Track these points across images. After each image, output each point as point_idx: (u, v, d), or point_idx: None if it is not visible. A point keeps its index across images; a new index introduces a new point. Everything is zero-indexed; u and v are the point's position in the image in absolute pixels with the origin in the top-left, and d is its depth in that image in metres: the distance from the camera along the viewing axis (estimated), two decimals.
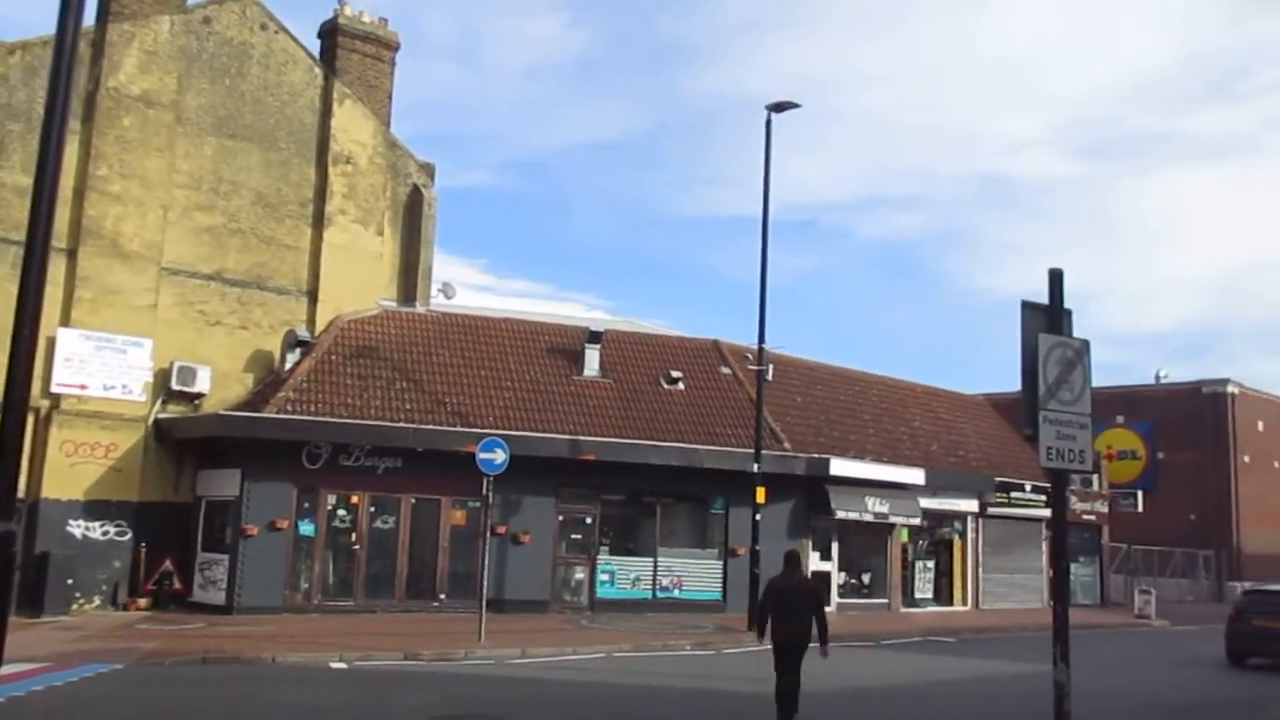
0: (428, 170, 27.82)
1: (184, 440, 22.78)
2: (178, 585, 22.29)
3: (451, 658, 16.80)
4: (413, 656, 16.64)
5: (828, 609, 28.20)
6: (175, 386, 22.83)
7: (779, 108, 23.52)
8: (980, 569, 32.35)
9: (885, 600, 29.52)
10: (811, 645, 11.95)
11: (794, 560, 12.40)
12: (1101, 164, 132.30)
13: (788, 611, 11.87)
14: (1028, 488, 33.13)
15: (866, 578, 29.54)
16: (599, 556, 25.08)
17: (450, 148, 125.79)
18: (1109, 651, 22.47)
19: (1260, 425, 49.28)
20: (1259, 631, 20.38)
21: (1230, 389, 47.52)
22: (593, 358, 27.56)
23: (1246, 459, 47.66)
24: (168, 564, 22.30)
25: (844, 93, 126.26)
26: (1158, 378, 52.13)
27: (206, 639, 17.41)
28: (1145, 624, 30.75)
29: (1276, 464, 50.07)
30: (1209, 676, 19.11)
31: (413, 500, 23.23)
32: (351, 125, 26.25)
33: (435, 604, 23.02)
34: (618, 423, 25.85)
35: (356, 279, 25.91)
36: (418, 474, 22.97)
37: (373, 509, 22.97)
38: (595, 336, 27.82)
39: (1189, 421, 47.46)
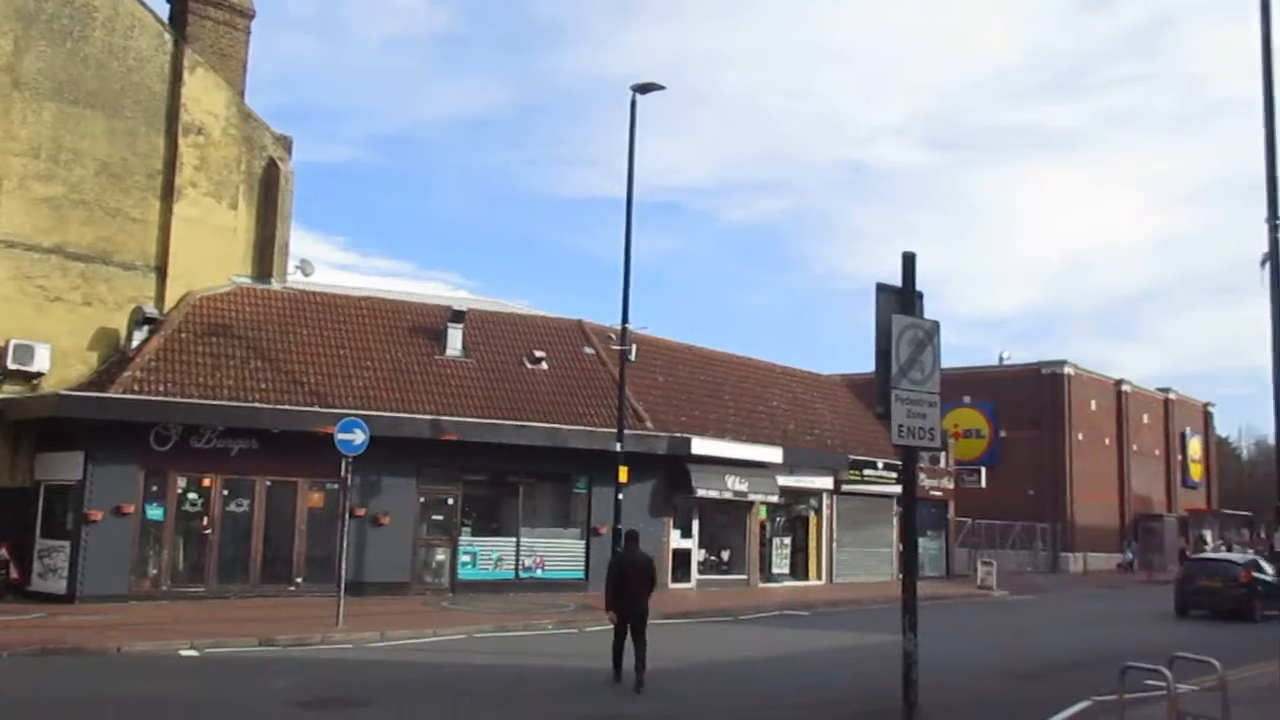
0: (284, 143, 26.89)
1: (21, 422, 21.57)
2: (15, 574, 21.12)
3: (308, 642, 16.38)
4: (268, 642, 16.15)
5: (688, 585, 28.51)
6: (11, 365, 21.57)
7: (644, 89, 23.53)
8: (834, 544, 33.22)
9: (744, 576, 30.03)
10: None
11: (633, 538, 14.06)
12: (953, 154, 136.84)
13: (630, 585, 13.42)
14: (880, 465, 34.12)
15: (726, 555, 29.98)
16: (461, 537, 24.81)
17: (310, 121, 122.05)
18: (953, 621, 23.36)
19: (1093, 404, 51.93)
20: (1200, 589, 26.21)
21: (1067, 370, 49.87)
22: (455, 337, 27.18)
23: (1080, 436, 50.16)
24: (3, 552, 21.11)
25: (708, 76, 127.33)
26: (1001, 359, 54.39)
27: (46, 629, 16.55)
28: (987, 594, 32.07)
29: (1107, 441, 52.90)
30: (1045, 643, 20.04)
31: (268, 483, 22.53)
32: (203, 94, 25.14)
33: (292, 588, 22.41)
34: (480, 403, 25.57)
35: (209, 254, 24.90)
36: (273, 456, 22.28)
37: (226, 492, 22.18)
38: (458, 315, 27.44)
39: (1029, 401, 49.65)
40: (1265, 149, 14.75)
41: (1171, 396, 60.38)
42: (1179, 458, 60.69)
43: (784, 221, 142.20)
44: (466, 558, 24.84)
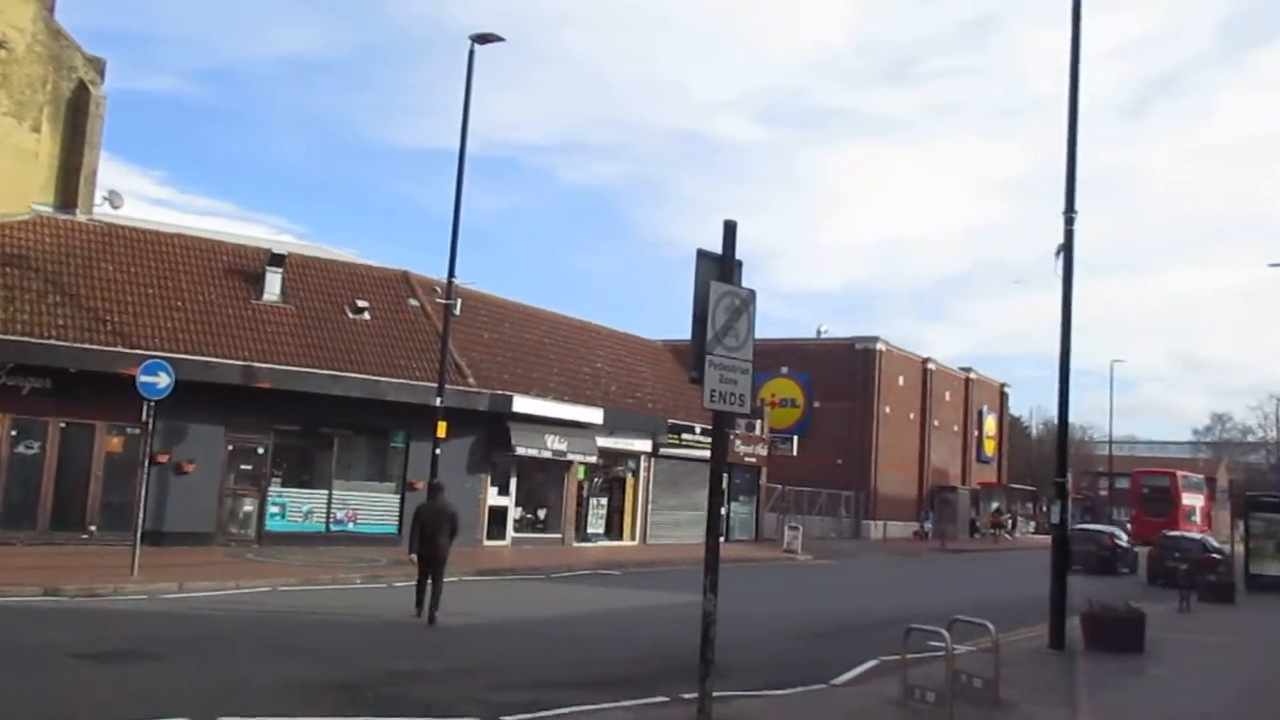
0: (97, 66, 25.14)
1: None
2: None
3: (99, 593, 15.56)
4: (54, 592, 15.27)
5: (503, 543, 28.43)
6: None
7: (483, 39, 23.04)
8: (650, 506, 33.70)
9: (559, 535, 30.17)
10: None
11: (438, 489, 15.94)
12: (787, 131, 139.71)
13: (432, 531, 15.11)
14: (698, 430, 34.73)
15: (542, 513, 30.04)
16: (270, 488, 24.00)
17: (128, 47, 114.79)
18: (758, 583, 24.07)
19: (901, 380, 54.23)
20: (1078, 551, 30.45)
21: (879, 346, 51.85)
22: (274, 281, 26.15)
23: (887, 410, 52.33)
24: None
25: (552, 35, 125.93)
26: (818, 333, 56.14)
27: None
28: (792, 558, 33.19)
29: (911, 415, 55.38)
30: (842, 606, 20.88)
31: (62, 424, 21.21)
32: (6, 6, 23.21)
33: (85, 536, 21.22)
34: (297, 351, 24.72)
35: (6, 179, 23.14)
36: (70, 396, 20.98)
37: (14, 433, 20.78)
38: (277, 259, 26.39)
39: (842, 374, 51.44)
40: (1066, 146, 15.58)
41: (972, 376, 63.62)
42: (975, 434, 64.10)
43: (620, 186, 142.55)
44: (275, 509, 24.07)
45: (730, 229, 8.92)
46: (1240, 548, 31.34)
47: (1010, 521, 63.03)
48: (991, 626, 11.12)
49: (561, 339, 34.43)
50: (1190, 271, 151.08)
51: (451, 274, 23.81)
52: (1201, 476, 76.03)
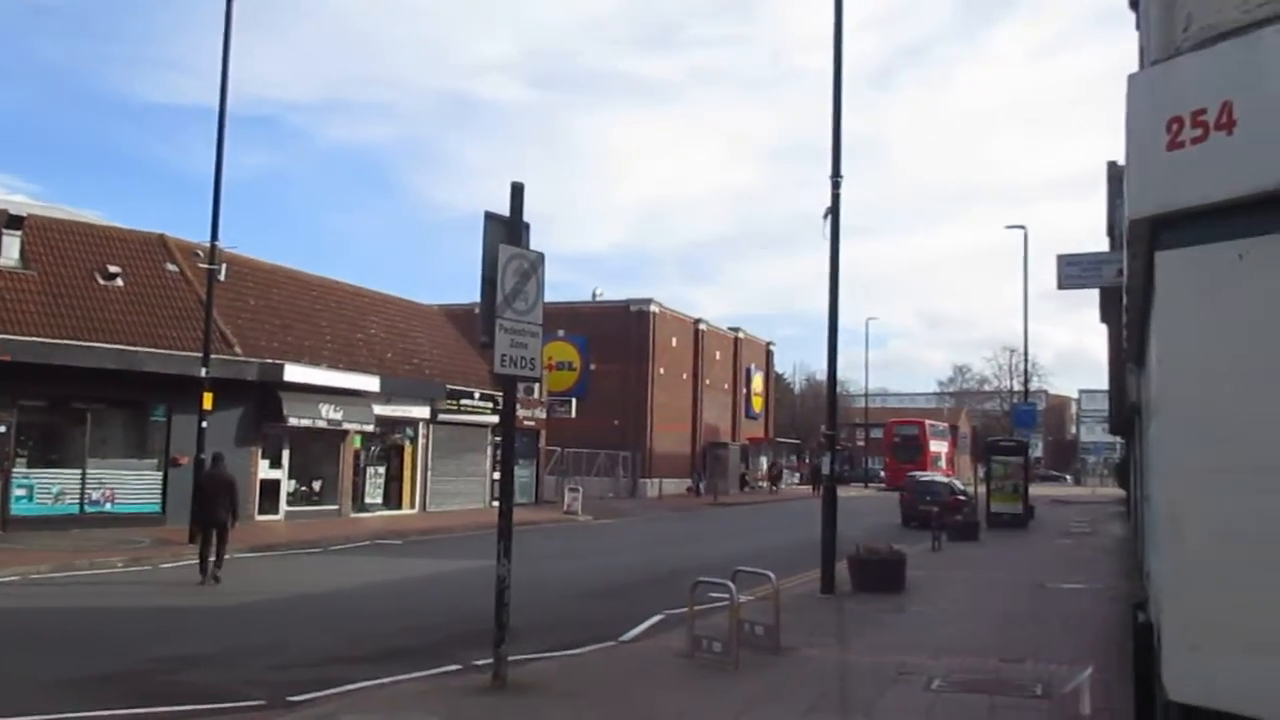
0: None
1: None
2: None
3: None
4: None
5: (276, 517, 27.43)
6: None
7: None
8: (429, 473, 33.24)
9: (336, 506, 29.34)
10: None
11: (218, 459, 17.30)
12: (558, 94, 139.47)
13: (211, 499, 16.50)
14: (476, 395, 34.45)
15: (318, 485, 29.12)
16: (14, 469, 22.12)
17: None
18: (541, 545, 24.20)
19: (674, 341, 55.51)
20: (920, 511, 31.48)
21: (652, 308, 52.82)
22: (11, 245, 24.00)
23: (661, 370, 53.49)
24: None
25: None
26: (594, 296, 56.66)
27: None
28: (574, 519, 33.54)
29: (684, 375, 56.83)
30: (626, 563, 21.28)
31: None
32: None
33: None
34: (41, 320, 22.82)
35: None
36: None
37: None
38: (15, 221, 24.22)
39: (617, 336, 52.14)
40: (832, 112, 16.21)
41: (740, 336, 65.85)
42: (744, 391, 66.48)
43: (388, 147, 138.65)
44: (21, 491, 22.23)
45: (518, 191, 8.81)
46: (982, 489, 34.01)
47: (778, 474, 65.93)
48: (773, 576, 11.57)
49: (334, 305, 33.30)
50: (935, 234, 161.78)
51: (215, 236, 22.56)
52: (946, 425, 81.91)
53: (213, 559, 16.22)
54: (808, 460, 72.24)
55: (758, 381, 69.14)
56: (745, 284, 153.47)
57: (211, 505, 16.50)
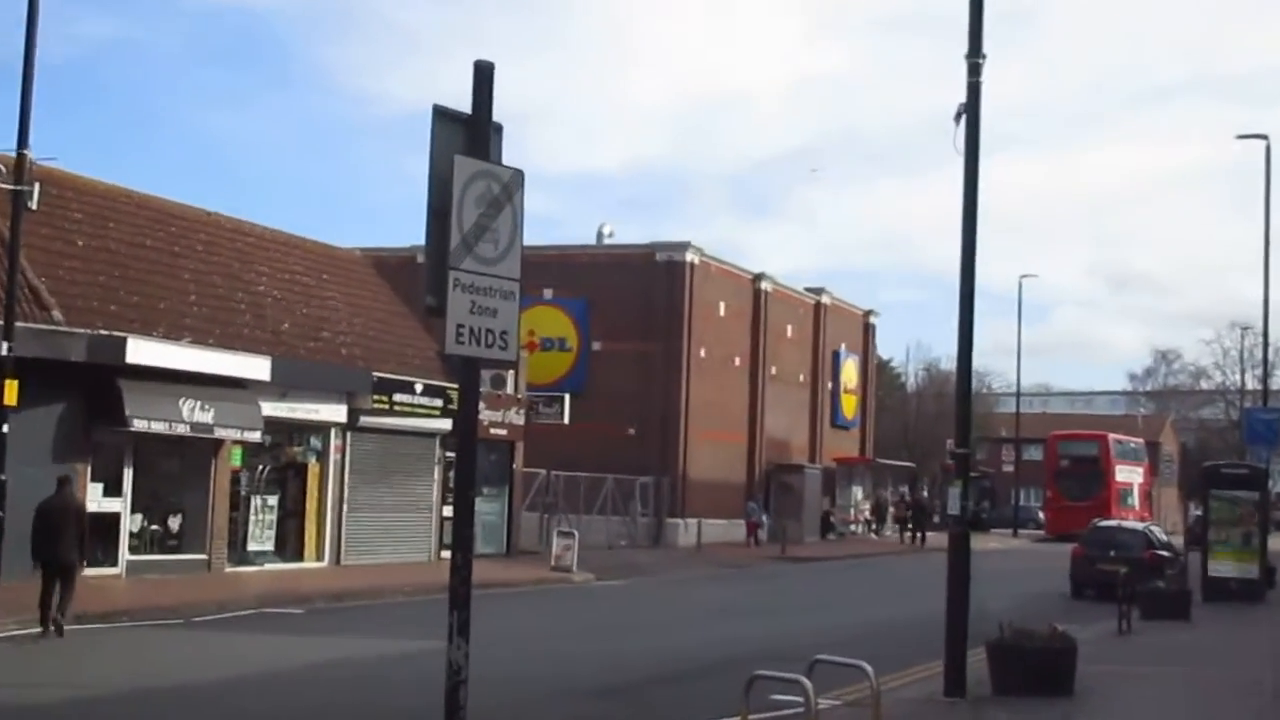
0: None
1: None
2: None
3: None
4: None
5: (115, 570, 27.68)
6: None
7: None
8: (346, 507, 33.33)
9: (203, 556, 29.49)
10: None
11: (66, 481, 19.03)
12: None
13: (57, 532, 18.03)
14: (419, 388, 34.50)
15: (176, 522, 29.30)
16: None
17: None
18: (519, 618, 24.23)
19: (723, 307, 55.40)
20: (1100, 574, 31.21)
21: (690, 257, 52.65)
22: None
23: (703, 353, 53.43)
24: None
25: None
26: (600, 237, 56.51)
27: None
28: (565, 579, 33.62)
29: (737, 360, 56.75)
30: (645, 647, 21.30)
31: None
32: None
33: None
34: None
35: None
36: None
37: None
38: None
39: (636, 300, 51.97)
40: None
41: (824, 301, 65.79)
42: (829, 386, 66.46)
43: (290, 8, 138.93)
44: None
45: (484, 75, 8.75)
46: (1194, 540, 33.90)
47: (888, 513, 66.18)
48: (869, 669, 11.54)
49: (203, 248, 33.41)
50: (1121, 148, 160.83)
51: (23, 142, 22.65)
52: (1140, 441, 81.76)
53: (55, 605, 18.30)
54: (914, 494, 72.31)
55: (850, 372, 69.10)
56: (831, 224, 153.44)
57: (55, 541, 18.49)
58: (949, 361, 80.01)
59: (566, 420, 43.89)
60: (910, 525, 62.96)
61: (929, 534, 59.63)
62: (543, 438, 43.38)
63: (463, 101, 8.84)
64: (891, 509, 68.72)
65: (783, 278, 61.68)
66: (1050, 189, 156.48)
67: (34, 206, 24.00)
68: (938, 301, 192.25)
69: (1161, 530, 39.07)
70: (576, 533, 36.50)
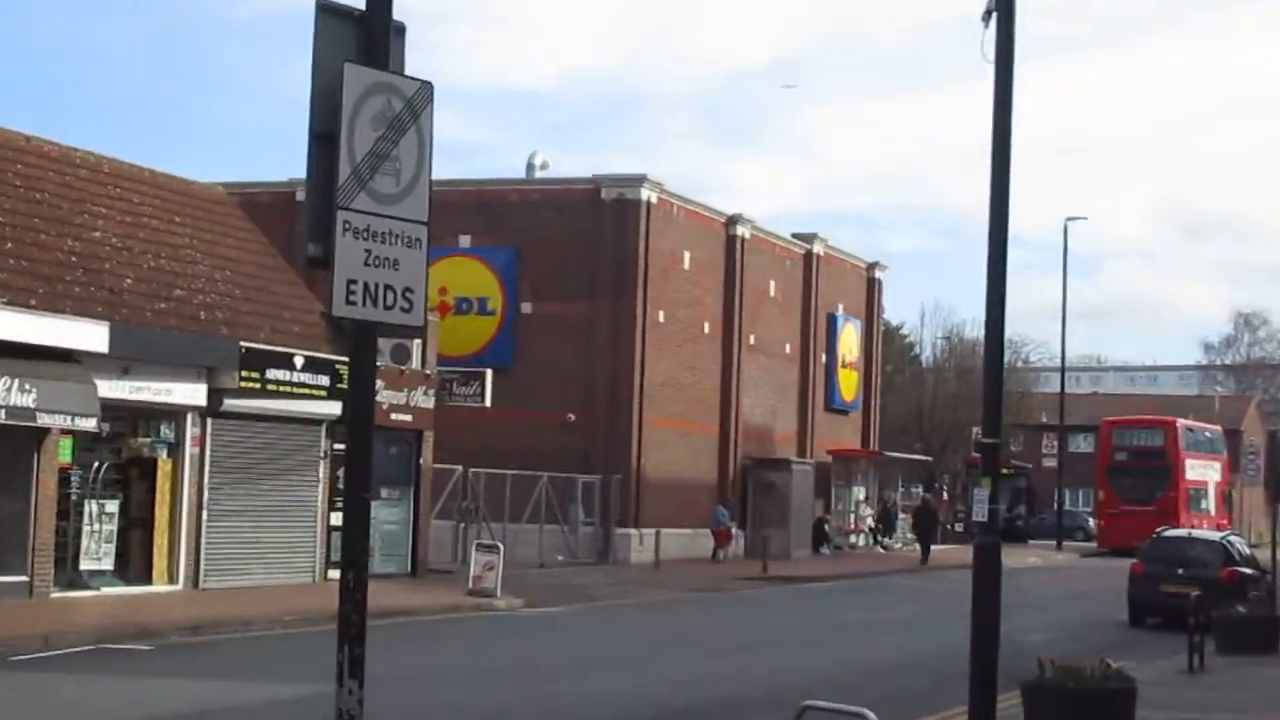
0: None
1: None
2: None
3: None
4: None
5: None
6: None
7: None
8: (206, 515, 33.20)
9: (23, 578, 29.40)
10: None
11: None
12: None
13: None
14: (299, 362, 34.36)
15: None
16: None
17: None
18: (421, 656, 24.22)
19: (687, 258, 55.36)
20: (1165, 596, 32.04)
21: (646, 194, 52.55)
22: None
23: (661, 316, 53.36)
24: None
25: None
26: (532, 169, 56.35)
27: None
28: (487, 605, 33.59)
29: (706, 326, 56.73)
30: (582, 693, 21.34)
31: None
32: None
33: None
34: None
35: None
36: None
37: None
38: None
39: (577, 248, 51.85)
40: None
41: (818, 250, 65.74)
42: (823, 359, 66.46)
43: None
44: None
45: None
46: None
47: (897, 521, 66.37)
48: (872, 717, 11.57)
49: (21, 184, 33.18)
50: (1193, 56, 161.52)
51: None
52: (1218, 429, 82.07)
53: None
54: (944, 492, 72.61)
55: (850, 341, 69.16)
56: (825, 154, 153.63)
57: None
58: (975, 328, 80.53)
59: (488, 403, 43.87)
60: (916, 533, 62.91)
61: (928, 547, 59.97)
62: (459, 426, 43.34)
63: None
64: (904, 516, 68.90)
65: (765, 221, 61.84)
66: (1104, 108, 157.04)
67: None
68: (960, 252, 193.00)
69: (1243, 541, 39.33)
70: (501, 546, 36.48)
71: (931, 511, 64.55)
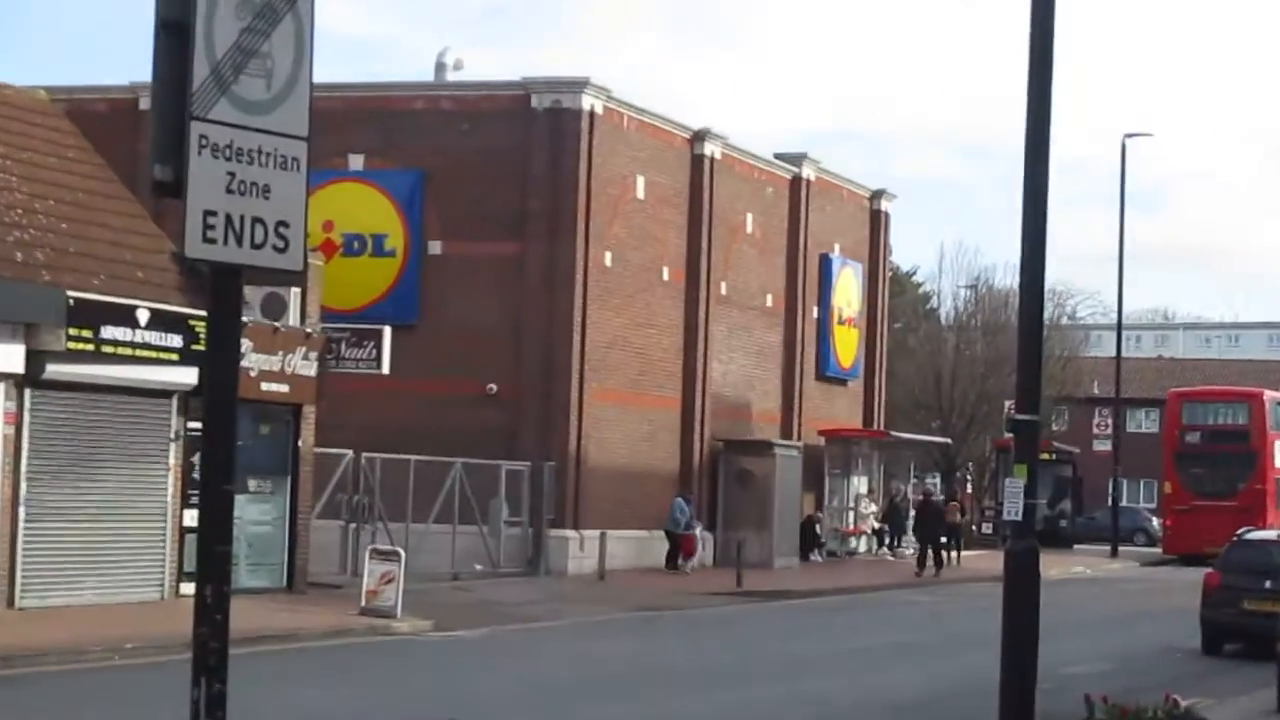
0: None
1: None
2: None
3: None
4: None
5: None
6: None
7: None
8: (23, 512, 33.11)
9: None
10: None
11: None
12: None
13: None
14: (143, 317, 34.30)
15: None
16: None
17: None
18: (307, 696, 24.24)
19: (641, 185, 55.32)
20: (1248, 616, 32.55)
21: (588, 103, 52.55)
22: None
23: (609, 259, 53.33)
24: None
25: None
26: (442, 71, 56.20)
27: None
28: (384, 628, 33.60)
29: (665, 272, 56.72)
30: None
31: None
32: None
33: None
34: None
35: None
36: None
37: None
38: None
39: (501, 172, 51.84)
40: None
41: (809, 175, 65.76)
42: (814, 314, 66.49)
43: None
44: None
45: None
46: None
47: (901, 519, 66.51)
48: None
49: None
50: None
51: None
52: None
53: None
54: (967, 485, 72.75)
55: (849, 290, 69.29)
56: (818, 57, 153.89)
57: None
58: (1009, 274, 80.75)
59: (386, 369, 43.82)
60: (919, 538, 62.43)
61: (938, 552, 60.08)
62: (349, 399, 43.35)
63: None
64: (888, 502, 69.01)
65: (741, 139, 61.79)
66: (1173, 2, 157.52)
67: None
68: (987, 180, 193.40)
69: None
70: (403, 553, 36.49)
71: (937, 508, 63.75)
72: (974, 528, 70.54)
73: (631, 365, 54.62)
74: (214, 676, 8.81)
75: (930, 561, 59.39)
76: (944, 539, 62.07)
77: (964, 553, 63.78)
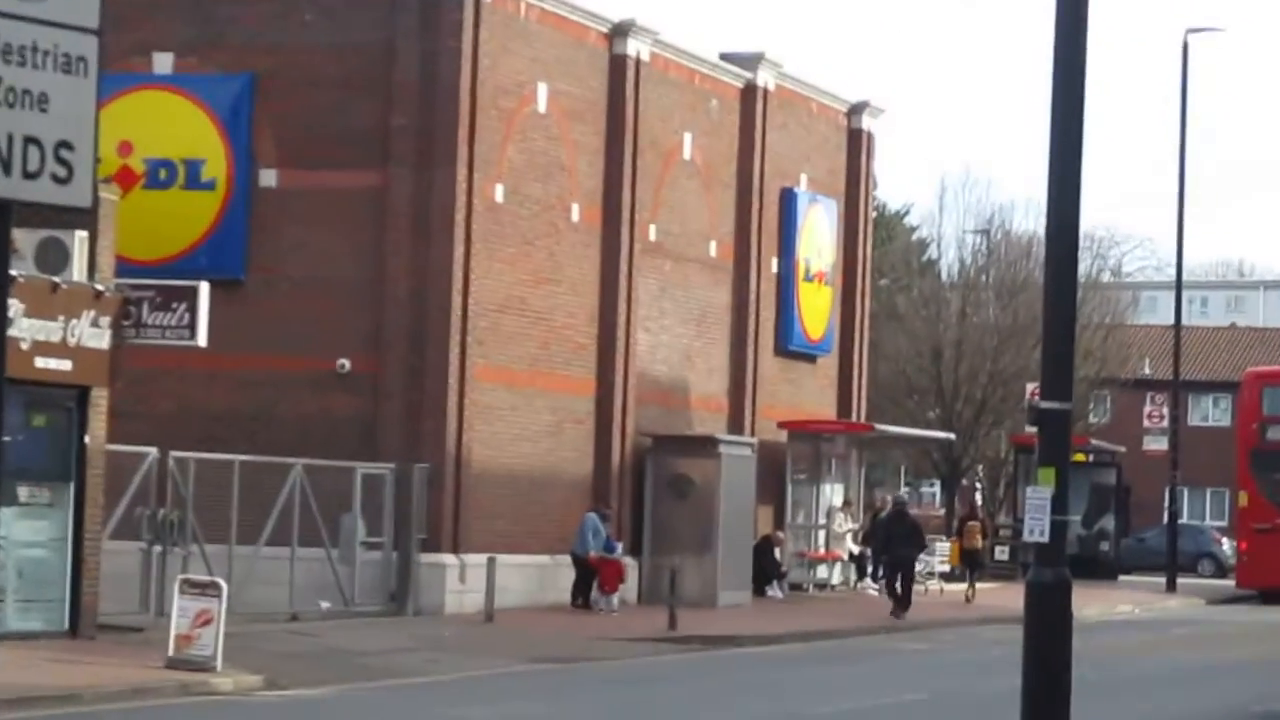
0: None
1: None
2: None
3: None
4: None
5: None
6: None
7: None
8: None
9: None
10: None
11: None
12: None
13: None
14: None
15: None
16: None
17: None
18: None
19: (543, 95, 55.43)
20: None
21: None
22: None
23: (500, 194, 53.36)
24: None
25: None
26: None
27: None
28: (199, 685, 33.40)
29: (575, 211, 56.81)
30: None
31: None
32: None
33: None
34: None
35: None
36: None
37: None
38: None
39: (357, 79, 51.85)
40: None
41: (766, 83, 65.80)
42: (772, 267, 66.57)
43: None
44: None
45: None
46: None
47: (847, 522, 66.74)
48: None
49: None
50: None
51: None
52: None
53: None
54: (979, 493, 73.10)
55: (818, 234, 69.36)
56: None
57: None
58: (1031, 217, 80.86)
59: (203, 341, 43.62)
60: (886, 566, 61.61)
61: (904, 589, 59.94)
62: (154, 379, 43.28)
63: None
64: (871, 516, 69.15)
65: (678, 35, 61.73)
66: None
67: None
68: (1002, 96, 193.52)
69: None
70: (225, 586, 36.39)
71: (913, 523, 62.89)
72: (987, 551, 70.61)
73: (530, 335, 54.48)
74: None
75: (900, 595, 58.38)
76: (921, 567, 61.88)
77: (976, 585, 63.98)
